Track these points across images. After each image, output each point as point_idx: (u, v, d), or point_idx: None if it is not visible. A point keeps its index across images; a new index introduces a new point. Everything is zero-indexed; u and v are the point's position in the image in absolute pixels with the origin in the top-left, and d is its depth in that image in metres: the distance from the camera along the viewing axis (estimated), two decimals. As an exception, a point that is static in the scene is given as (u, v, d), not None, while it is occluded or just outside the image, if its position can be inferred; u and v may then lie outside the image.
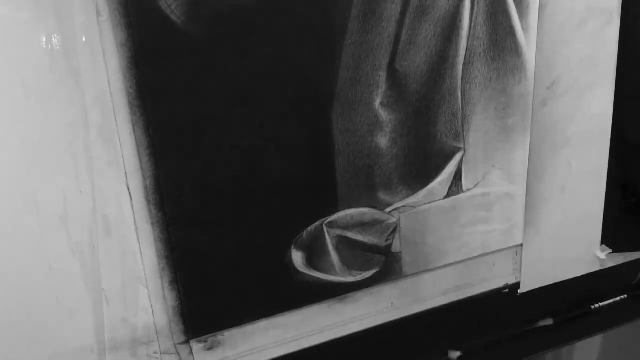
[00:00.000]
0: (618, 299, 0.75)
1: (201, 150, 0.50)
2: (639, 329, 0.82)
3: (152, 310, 0.52)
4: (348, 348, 0.62)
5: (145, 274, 0.51)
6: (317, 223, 0.56)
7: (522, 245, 0.67)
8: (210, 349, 0.56)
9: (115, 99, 0.46)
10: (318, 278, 0.58)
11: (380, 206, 0.58)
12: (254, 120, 0.51)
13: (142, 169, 0.49)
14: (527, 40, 0.59)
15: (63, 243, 0.47)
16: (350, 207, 0.57)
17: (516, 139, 0.62)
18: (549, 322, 0.73)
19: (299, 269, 0.57)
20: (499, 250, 0.67)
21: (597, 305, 0.74)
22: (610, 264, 0.73)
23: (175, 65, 0.47)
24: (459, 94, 0.58)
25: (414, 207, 0.60)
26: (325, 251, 0.57)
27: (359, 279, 0.60)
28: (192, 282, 0.53)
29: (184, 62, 0.47)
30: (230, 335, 0.56)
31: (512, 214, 0.65)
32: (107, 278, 0.50)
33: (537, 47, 0.59)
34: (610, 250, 0.72)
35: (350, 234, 0.58)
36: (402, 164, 0.58)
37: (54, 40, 0.43)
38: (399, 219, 0.60)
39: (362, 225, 0.58)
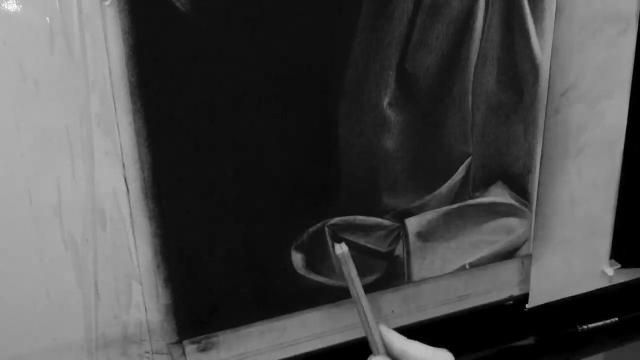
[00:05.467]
0: (608, 321, 0.73)
1: (202, 144, 0.48)
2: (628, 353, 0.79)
3: (145, 308, 0.51)
4: (346, 355, 0.61)
5: (140, 270, 0.50)
6: (319, 224, 0.54)
7: (529, 256, 0.66)
8: (203, 350, 0.54)
9: (115, 88, 0.45)
10: (317, 281, 0.56)
11: (385, 210, 0.57)
12: (258, 116, 0.49)
13: (140, 160, 0.47)
14: (542, 45, 0.57)
15: (55, 234, 0.46)
16: (353, 209, 0.55)
17: (526, 147, 0.61)
18: (530, 341, 0.71)
19: (298, 271, 0.55)
20: (505, 261, 0.65)
21: (584, 327, 0.72)
22: (619, 280, 0.71)
23: (179, 55, 0.46)
24: (469, 97, 0.57)
25: (419, 212, 0.58)
26: (326, 254, 0.56)
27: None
28: (187, 281, 0.51)
29: (188, 52, 0.46)
30: (225, 337, 0.55)
31: (520, 223, 0.63)
32: (99, 272, 0.48)
33: (551, 52, 0.58)
34: (619, 265, 0.70)
35: (352, 238, 0.56)
36: (408, 168, 0.56)
37: (55, 24, 0.42)
38: (403, 225, 0.58)
39: (364, 229, 0.57)
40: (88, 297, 0.48)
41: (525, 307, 0.67)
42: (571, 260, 0.68)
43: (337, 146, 0.53)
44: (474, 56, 0.56)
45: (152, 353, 0.53)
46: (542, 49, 0.58)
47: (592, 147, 0.64)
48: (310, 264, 0.55)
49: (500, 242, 0.63)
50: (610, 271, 0.70)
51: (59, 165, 0.45)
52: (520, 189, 0.62)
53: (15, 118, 0.43)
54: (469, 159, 0.59)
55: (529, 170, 0.62)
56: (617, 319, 0.73)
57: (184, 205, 0.49)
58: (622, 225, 0.68)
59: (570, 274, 0.69)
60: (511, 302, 0.68)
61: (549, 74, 0.59)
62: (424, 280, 0.61)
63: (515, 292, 0.67)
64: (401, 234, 0.58)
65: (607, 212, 0.68)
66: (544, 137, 0.61)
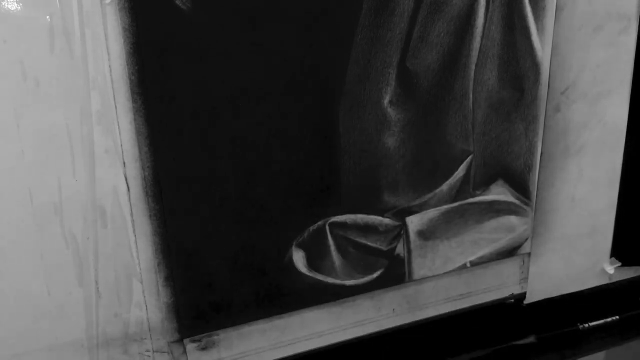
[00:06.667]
0: (609, 319, 0.72)
1: (203, 143, 0.48)
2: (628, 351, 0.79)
3: (146, 306, 0.51)
4: (347, 353, 0.61)
5: (140, 268, 0.50)
6: (320, 223, 0.54)
7: (529, 254, 0.65)
8: (204, 348, 0.54)
9: (116, 86, 0.45)
10: (318, 280, 0.56)
11: (385, 208, 0.57)
12: (258, 114, 0.49)
13: (141, 159, 0.47)
14: (542, 42, 0.57)
15: (56, 232, 0.46)
16: (354, 207, 0.55)
17: (527, 145, 0.60)
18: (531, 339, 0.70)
19: (300, 269, 0.55)
20: (505, 259, 0.65)
21: (585, 325, 0.72)
22: (620, 278, 0.71)
23: (180, 53, 0.46)
24: (470, 95, 0.56)
25: (420, 210, 0.58)
26: (326, 252, 0.55)
27: (360, 283, 0.58)
28: (187, 279, 0.51)
29: (188, 50, 0.46)
30: (226, 335, 0.55)
31: (520, 221, 0.63)
32: (100, 270, 0.48)
33: (552, 50, 0.58)
34: (619, 264, 0.70)
35: (353, 236, 0.56)
36: (409, 166, 0.56)
37: (55, 23, 0.42)
38: (404, 223, 0.58)
39: (365, 227, 0.56)
40: (89, 295, 0.48)
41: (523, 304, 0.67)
42: (571, 258, 0.68)
43: (338, 144, 0.53)
44: (474, 54, 0.55)
45: (153, 351, 0.52)
46: (542, 47, 0.57)
47: (593, 145, 0.64)
48: (311, 262, 0.55)
49: (501, 241, 0.63)
50: (610, 269, 0.70)
51: (59, 164, 0.45)
52: (521, 187, 0.62)
53: (15, 116, 0.43)
54: (470, 157, 0.59)
55: (529, 168, 0.61)
56: (617, 317, 0.73)
57: (185, 203, 0.49)
58: (622, 223, 0.68)
59: (571, 272, 0.69)
60: (512, 300, 0.67)
61: (549, 72, 0.58)
62: (424, 278, 0.61)
63: (517, 290, 0.67)
64: (402, 232, 0.58)
65: (607, 210, 0.68)
66: (544, 135, 0.61)
